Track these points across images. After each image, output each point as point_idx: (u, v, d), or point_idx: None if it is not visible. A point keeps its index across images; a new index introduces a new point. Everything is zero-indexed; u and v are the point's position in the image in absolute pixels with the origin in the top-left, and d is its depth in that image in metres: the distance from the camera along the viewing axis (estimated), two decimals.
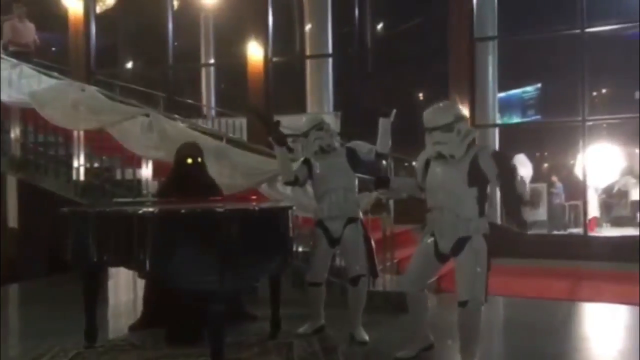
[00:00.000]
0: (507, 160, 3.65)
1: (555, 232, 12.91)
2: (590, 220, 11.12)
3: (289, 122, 4.87)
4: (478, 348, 3.83)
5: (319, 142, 4.60)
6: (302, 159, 4.77)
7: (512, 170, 3.59)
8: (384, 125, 4.47)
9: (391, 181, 4.20)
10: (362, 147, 4.67)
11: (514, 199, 3.59)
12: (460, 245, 3.73)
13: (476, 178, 3.69)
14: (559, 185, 14.27)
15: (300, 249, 5.43)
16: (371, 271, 4.61)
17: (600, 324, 5.52)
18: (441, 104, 3.83)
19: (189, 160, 4.90)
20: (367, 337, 4.54)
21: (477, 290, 3.71)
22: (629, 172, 13.92)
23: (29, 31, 9.31)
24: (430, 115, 3.76)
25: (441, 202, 3.77)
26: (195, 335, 4.45)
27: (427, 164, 3.90)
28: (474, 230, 3.73)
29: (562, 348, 4.53)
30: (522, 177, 3.62)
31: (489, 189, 3.80)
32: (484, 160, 3.68)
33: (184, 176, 4.88)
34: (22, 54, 8.74)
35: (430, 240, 3.89)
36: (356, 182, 4.72)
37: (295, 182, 4.73)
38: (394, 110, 4.43)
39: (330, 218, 4.59)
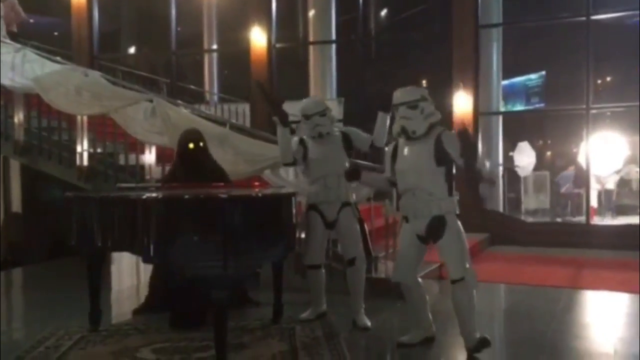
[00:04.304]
0: (470, 138, 3.76)
1: (558, 220, 12.91)
2: (592, 209, 11.09)
3: (292, 108, 4.88)
4: (476, 327, 3.88)
5: (320, 128, 4.60)
6: (297, 138, 4.74)
7: (473, 148, 3.72)
8: (382, 119, 4.50)
9: (362, 175, 4.28)
10: (357, 135, 4.69)
11: (474, 175, 3.72)
12: (434, 225, 3.86)
13: (442, 158, 3.86)
14: (566, 173, 14.18)
15: (302, 235, 5.45)
16: (365, 251, 4.65)
17: (601, 311, 5.53)
18: (409, 87, 4.05)
19: (191, 145, 4.88)
20: (369, 323, 4.57)
21: (467, 265, 3.86)
22: (632, 160, 13.86)
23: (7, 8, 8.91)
24: (398, 93, 4.01)
25: (413, 183, 3.93)
26: (199, 320, 4.49)
27: (394, 152, 4.07)
28: (447, 210, 3.88)
29: (563, 335, 4.56)
30: (481, 156, 3.78)
31: (454, 170, 3.95)
32: (447, 140, 3.85)
33: (189, 162, 4.86)
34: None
35: (406, 224, 4.02)
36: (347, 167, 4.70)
37: (293, 164, 4.76)
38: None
39: (326, 202, 4.61)
